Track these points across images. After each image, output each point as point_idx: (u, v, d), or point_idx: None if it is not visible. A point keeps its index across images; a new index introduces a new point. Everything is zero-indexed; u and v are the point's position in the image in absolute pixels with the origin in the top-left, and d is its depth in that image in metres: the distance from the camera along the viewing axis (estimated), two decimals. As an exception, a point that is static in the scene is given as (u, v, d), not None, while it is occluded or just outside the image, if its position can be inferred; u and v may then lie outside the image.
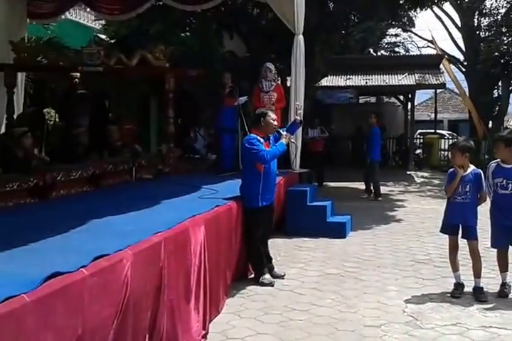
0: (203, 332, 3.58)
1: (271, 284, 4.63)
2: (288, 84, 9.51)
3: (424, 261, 5.50)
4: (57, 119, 8.10)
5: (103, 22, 9.87)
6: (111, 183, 5.52)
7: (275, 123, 4.80)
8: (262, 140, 4.67)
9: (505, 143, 4.31)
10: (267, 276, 4.69)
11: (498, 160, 4.42)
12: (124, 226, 3.37)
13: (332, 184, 11.67)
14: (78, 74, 7.06)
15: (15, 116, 6.64)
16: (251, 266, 4.87)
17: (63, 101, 7.76)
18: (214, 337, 3.61)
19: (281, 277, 4.81)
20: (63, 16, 7.82)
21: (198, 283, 3.59)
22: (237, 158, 6.85)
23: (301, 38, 6.84)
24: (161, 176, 6.16)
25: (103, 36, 9.62)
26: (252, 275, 4.88)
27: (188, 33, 8.91)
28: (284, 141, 4.74)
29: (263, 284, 4.63)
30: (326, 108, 15.55)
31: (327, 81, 14.99)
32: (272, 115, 4.79)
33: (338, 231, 6.49)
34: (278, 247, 5.85)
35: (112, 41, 8.96)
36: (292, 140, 5.20)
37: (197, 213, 3.79)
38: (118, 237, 3.01)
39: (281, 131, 4.83)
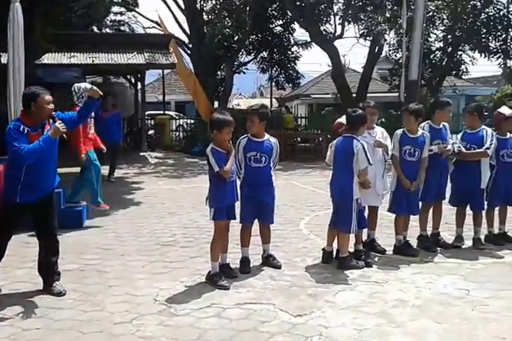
0: None
1: None
2: (2, 60, 7.60)
3: (169, 243, 4.90)
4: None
5: None
6: None
7: None
8: None
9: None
10: None
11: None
12: None
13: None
14: None
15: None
16: None
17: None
18: None
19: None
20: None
21: None
22: None
23: (18, 6, 5.20)
24: None
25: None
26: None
27: None
28: None
29: None
30: (48, 88, 12.99)
31: (49, 58, 12.62)
32: None
33: (73, 221, 5.32)
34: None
35: None
36: None
37: None
38: None
39: None
